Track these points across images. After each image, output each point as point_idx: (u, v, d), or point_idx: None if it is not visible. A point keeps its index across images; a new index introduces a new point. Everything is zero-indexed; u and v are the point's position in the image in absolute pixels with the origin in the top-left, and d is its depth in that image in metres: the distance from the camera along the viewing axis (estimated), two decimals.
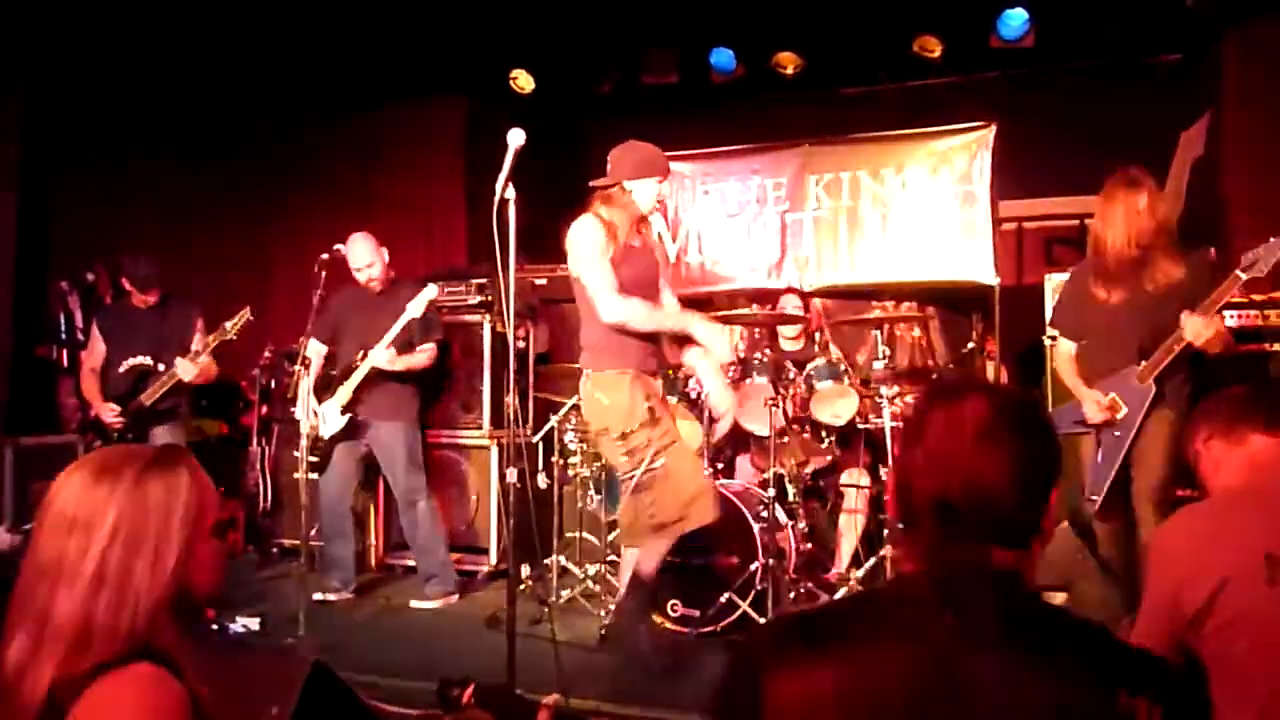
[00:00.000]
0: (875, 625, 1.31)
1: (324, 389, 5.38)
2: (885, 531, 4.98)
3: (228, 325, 5.21)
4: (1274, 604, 1.96)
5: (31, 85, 6.11)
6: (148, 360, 5.33)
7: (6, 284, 6.16)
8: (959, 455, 1.34)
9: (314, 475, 5.29)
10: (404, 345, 5.35)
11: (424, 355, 5.44)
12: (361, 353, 5.32)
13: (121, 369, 5.34)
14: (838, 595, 4.91)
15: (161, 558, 1.55)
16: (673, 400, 5.25)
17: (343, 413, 5.35)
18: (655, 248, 4.32)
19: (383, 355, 5.23)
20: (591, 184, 4.20)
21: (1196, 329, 3.66)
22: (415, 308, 5.22)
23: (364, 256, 5.36)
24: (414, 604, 5.37)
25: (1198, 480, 2.44)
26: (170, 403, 5.32)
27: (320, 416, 5.34)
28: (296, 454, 5.16)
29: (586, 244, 4.09)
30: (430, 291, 5.32)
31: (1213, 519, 2.20)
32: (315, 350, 5.43)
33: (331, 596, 5.42)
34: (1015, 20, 6.12)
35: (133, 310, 5.41)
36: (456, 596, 5.45)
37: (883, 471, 5.28)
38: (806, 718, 1.23)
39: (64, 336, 5.97)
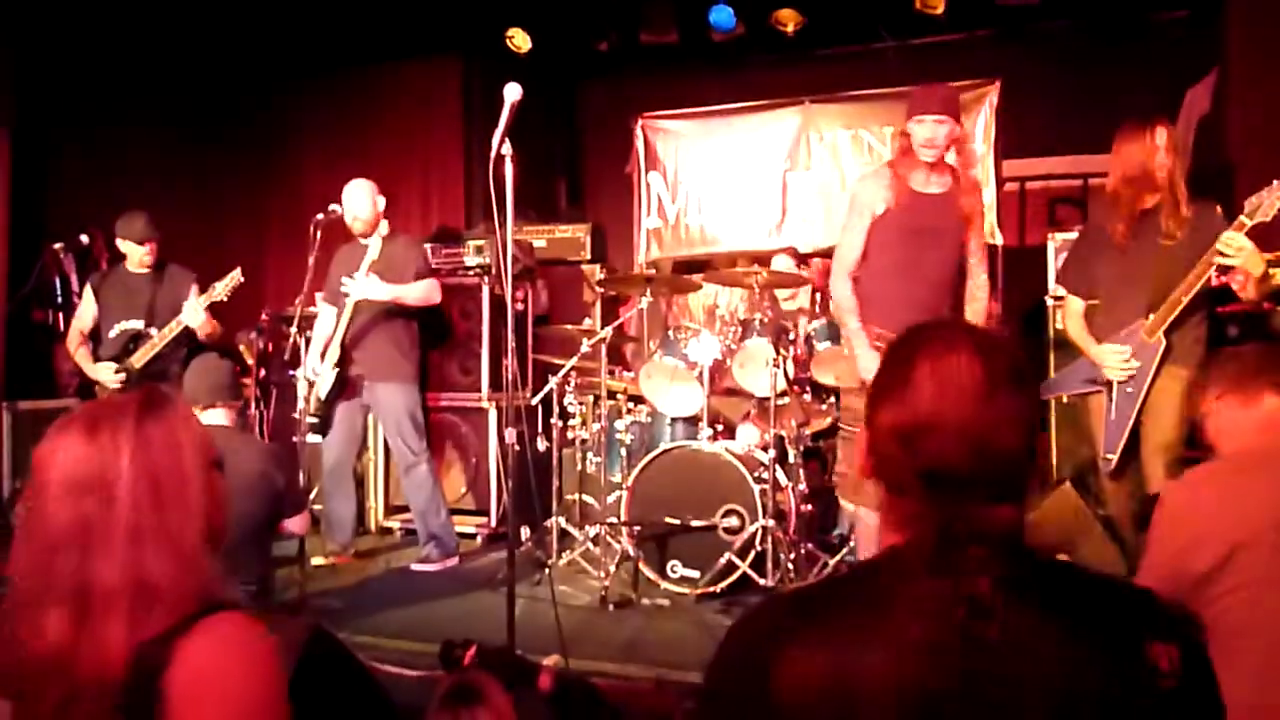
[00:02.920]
0: (883, 602, 1.24)
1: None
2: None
3: (217, 286, 5.14)
4: None
5: (25, 49, 6.04)
6: (139, 325, 5.26)
7: (2, 247, 6.11)
8: (961, 415, 1.24)
9: (315, 438, 5.29)
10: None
11: (419, 288, 5.31)
12: (353, 308, 5.29)
13: (113, 333, 5.27)
14: (833, 564, 4.90)
15: (187, 499, 1.49)
16: (671, 363, 5.23)
17: (333, 368, 5.30)
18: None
19: (362, 286, 5.13)
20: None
21: (1235, 243, 3.51)
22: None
23: (357, 204, 5.30)
24: (415, 567, 5.36)
25: (1203, 440, 2.40)
26: (159, 366, 5.26)
27: (319, 376, 5.31)
28: (295, 416, 5.14)
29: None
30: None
31: (1226, 482, 2.17)
32: (327, 312, 5.42)
33: (330, 559, 5.41)
34: None
35: (128, 275, 5.34)
36: (456, 560, 5.43)
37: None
38: (818, 698, 1.19)
39: (59, 300, 5.92)
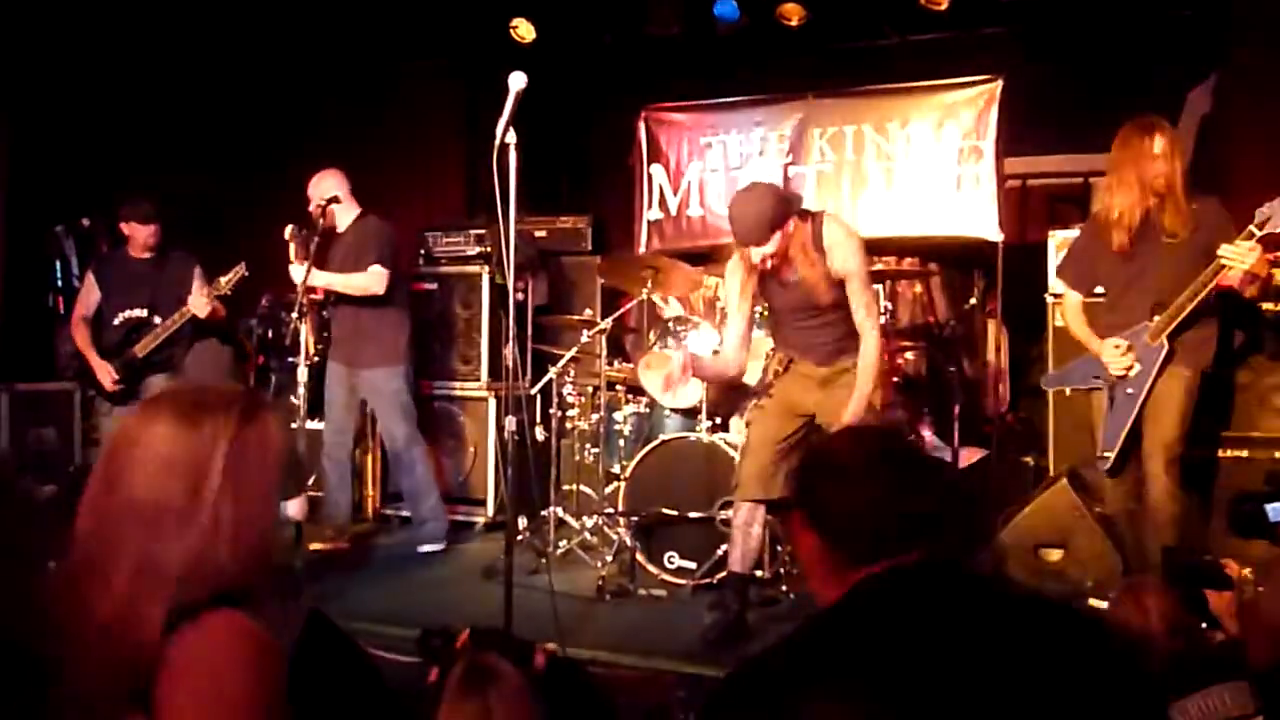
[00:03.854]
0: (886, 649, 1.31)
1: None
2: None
3: (221, 280, 5.15)
4: None
5: (25, 42, 6.03)
6: (143, 313, 5.27)
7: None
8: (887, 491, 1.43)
9: (315, 425, 5.29)
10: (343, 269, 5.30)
11: (357, 279, 5.24)
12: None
13: (116, 320, 5.29)
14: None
15: (266, 500, 1.57)
16: (670, 352, 5.23)
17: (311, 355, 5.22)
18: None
19: (295, 273, 5.12)
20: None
21: (1239, 251, 3.54)
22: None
23: (324, 187, 5.30)
24: (418, 549, 5.44)
25: None
26: (165, 354, 5.26)
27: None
28: (294, 401, 5.13)
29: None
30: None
31: None
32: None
33: (327, 545, 5.39)
34: None
35: (131, 260, 5.35)
36: (444, 545, 5.47)
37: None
38: None
39: (59, 284, 5.92)
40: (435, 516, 5.49)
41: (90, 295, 5.36)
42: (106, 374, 5.21)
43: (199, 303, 5.11)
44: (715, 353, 4.93)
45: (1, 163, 6.02)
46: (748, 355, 4.26)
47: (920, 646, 1.27)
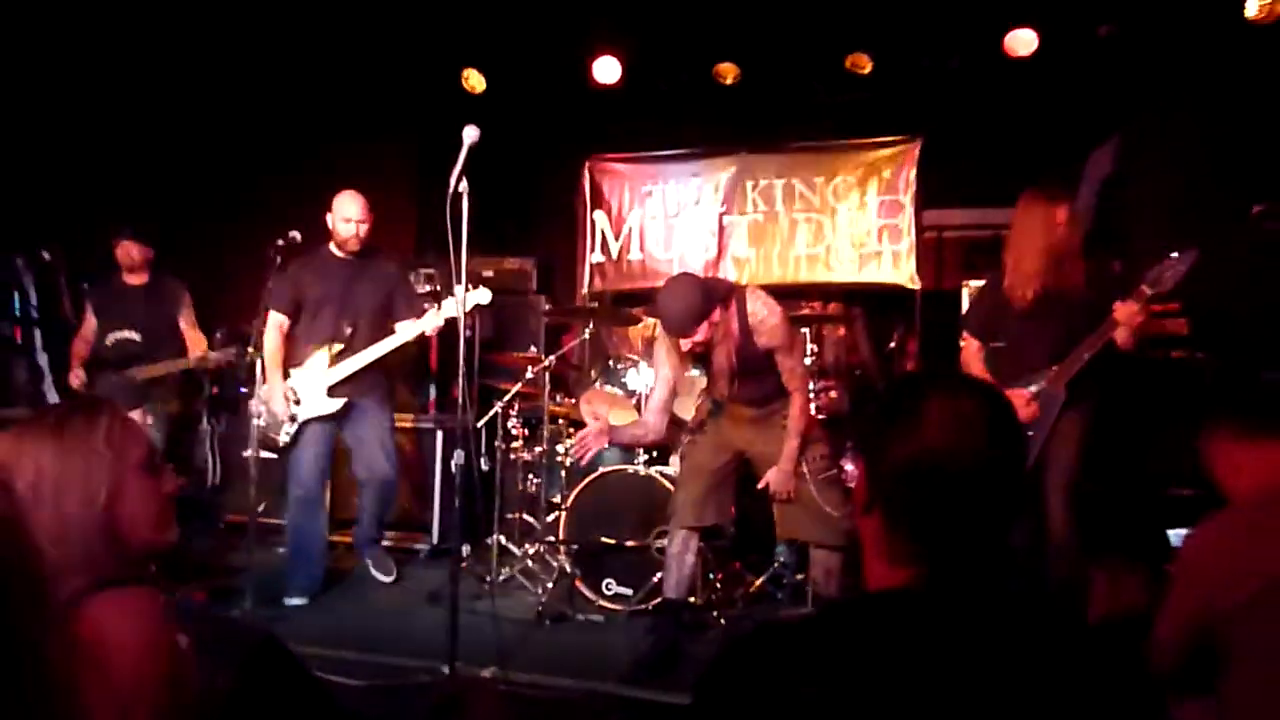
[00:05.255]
0: (884, 638, 1.22)
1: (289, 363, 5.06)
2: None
3: (213, 355, 5.30)
4: None
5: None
6: (135, 335, 5.31)
7: None
8: (971, 451, 1.24)
9: (265, 453, 5.09)
10: (384, 318, 5.02)
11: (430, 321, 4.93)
12: (351, 328, 4.90)
13: (109, 341, 5.33)
14: (758, 584, 4.93)
15: (90, 490, 1.58)
16: (611, 390, 5.26)
17: (330, 394, 4.91)
18: None
19: (413, 328, 4.86)
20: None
21: (1129, 313, 3.71)
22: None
23: (357, 210, 4.95)
24: (382, 577, 5.24)
25: (1213, 480, 2.29)
26: (145, 390, 5.30)
27: (294, 394, 4.93)
28: (249, 431, 5.03)
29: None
30: (482, 296, 4.88)
31: (1245, 527, 2.09)
32: (275, 322, 5.00)
33: (300, 600, 4.90)
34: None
35: (124, 287, 5.39)
36: (393, 577, 5.26)
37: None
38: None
39: (18, 313, 5.81)
40: (379, 547, 5.31)
41: (89, 319, 5.44)
42: (76, 377, 5.33)
43: (213, 357, 5.27)
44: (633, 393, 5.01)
45: None
46: (667, 421, 4.28)
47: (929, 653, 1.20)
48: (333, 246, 5.05)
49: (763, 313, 3.98)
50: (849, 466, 5.01)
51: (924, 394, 1.30)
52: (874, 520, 1.31)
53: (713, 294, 3.92)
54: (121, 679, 1.45)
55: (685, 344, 3.95)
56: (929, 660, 1.18)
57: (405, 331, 4.91)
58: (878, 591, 1.30)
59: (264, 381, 4.87)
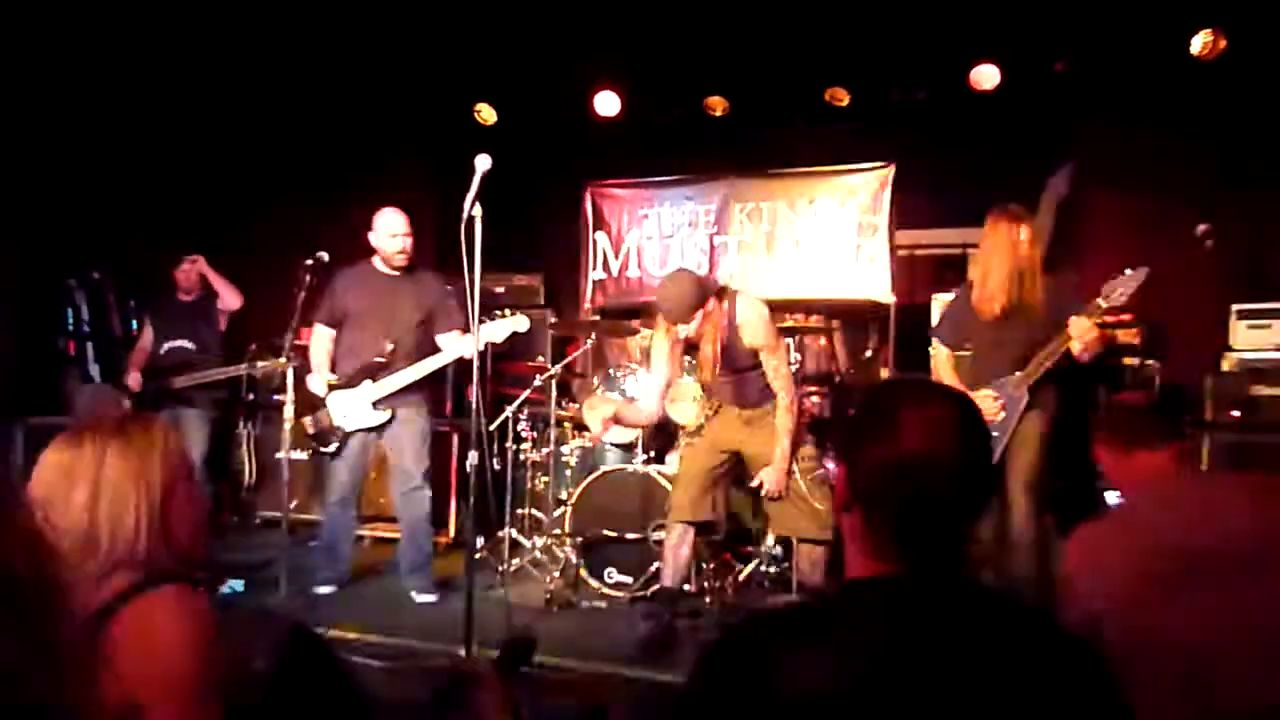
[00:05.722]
0: (860, 624, 1.23)
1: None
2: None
3: (259, 363, 5.52)
4: (1178, 609, 1.88)
5: (40, 117, 5.99)
6: (188, 345, 5.59)
7: (13, 283, 6.03)
8: (944, 453, 1.25)
9: (296, 454, 4.99)
10: (426, 333, 4.79)
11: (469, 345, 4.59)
12: (393, 344, 4.67)
13: (162, 350, 5.59)
14: (747, 571, 4.93)
15: (148, 492, 1.60)
16: (612, 396, 5.27)
17: (375, 407, 4.69)
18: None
19: (470, 344, 4.26)
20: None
21: (1082, 328, 3.72)
22: (499, 331, 4.64)
23: (402, 225, 4.73)
24: (420, 599, 4.77)
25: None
26: (195, 394, 5.55)
27: (339, 405, 4.73)
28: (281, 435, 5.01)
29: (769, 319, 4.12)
30: (520, 323, 4.71)
31: (1116, 528, 2.13)
32: (323, 334, 4.83)
33: (328, 590, 4.82)
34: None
35: (177, 302, 5.71)
36: (437, 598, 4.76)
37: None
38: (815, 699, 1.16)
39: (70, 328, 5.84)
40: (428, 565, 4.84)
41: (146, 331, 5.72)
42: (134, 380, 5.54)
43: (261, 366, 5.48)
44: (633, 400, 5.00)
45: (18, 223, 5.95)
46: (663, 406, 4.34)
47: (906, 634, 1.20)
48: (377, 261, 4.80)
49: (748, 312, 4.02)
50: (830, 466, 5.02)
51: (898, 402, 1.32)
52: (854, 518, 1.32)
53: (707, 287, 3.99)
54: (170, 668, 1.47)
55: (682, 330, 3.96)
56: (908, 641, 1.19)
57: (450, 351, 4.68)
58: (860, 580, 1.31)
59: (321, 392, 4.72)
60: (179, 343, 5.60)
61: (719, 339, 4.00)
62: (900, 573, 1.26)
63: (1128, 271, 3.74)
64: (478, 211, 3.50)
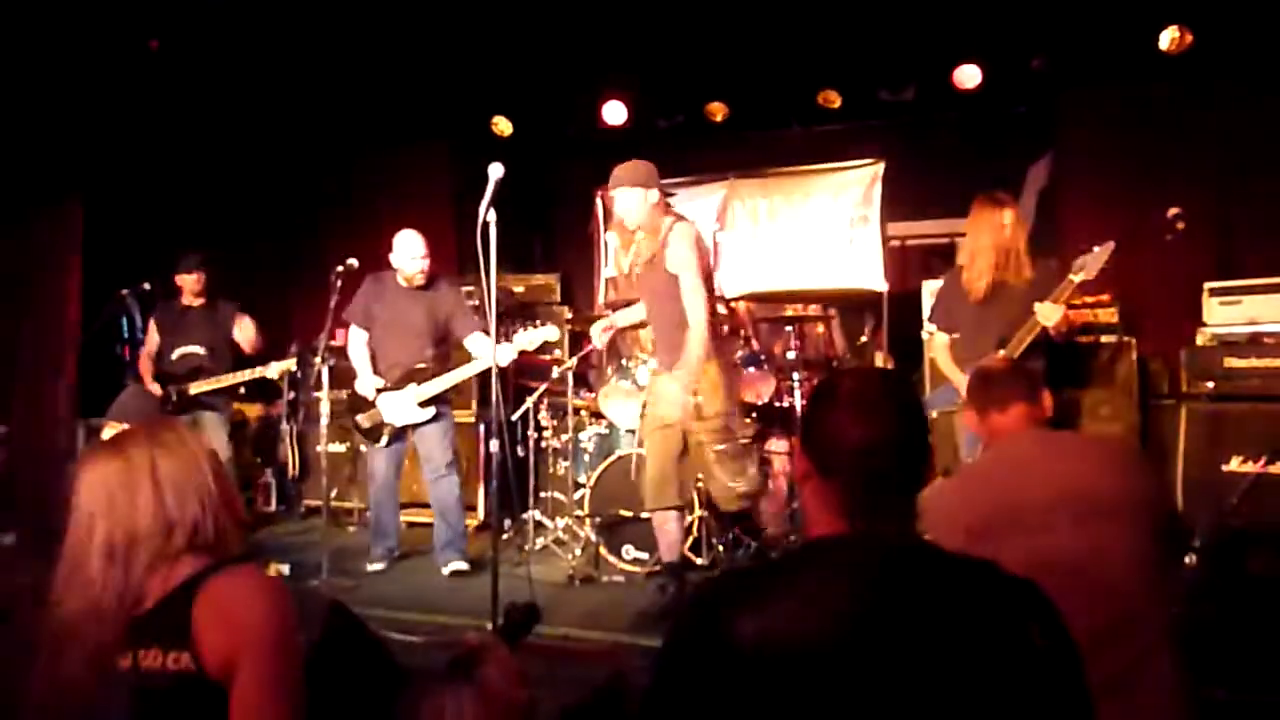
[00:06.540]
0: (819, 575, 1.25)
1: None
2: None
3: (273, 365, 5.24)
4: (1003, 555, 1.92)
5: (97, 137, 6.05)
6: (199, 350, 5.33)
7: (76, 293, 6.11)
8: (882, 432, 1.31)
9: (335, 447, 5.14)
10: (443, 339, 4.99)
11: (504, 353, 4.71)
12: (432, 350, 4.90)
13: (174, 356, 5.34)
14: (754, 547, 4.94)
15: (204, 483, 1.62)
16: (625, 385, 5.27)
17: (421, 405, 4.84)
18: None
19: (505, 352, 4.60)
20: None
21: (1048, 313, 3.73)
22: (532, 339, 4.74)
23: (420, 247, 4.87)
24: (449, 569, 4.83)
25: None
26: (213, 398, 5.33)
27: (388, 405, 4.87)
28: (320, 429, 5.07)
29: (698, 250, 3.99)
30: (551, 333, 4.85)
31: (955, 485, 2.25)
32: (360, 338, 4.99)
33: (380, 565, 4.96)
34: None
35: (184, 308, 5.42)
36: (469, 566, 4.83)
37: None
38: (767, 650, 1.18)
39: (126, 336, 5.89)
40: (462, 541, 4.92)
41: (152, 337, 5.43)
42: (156, 387, 5.28)
43: (274, 367, 5.21)
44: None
45: (79, 238, 6.06)
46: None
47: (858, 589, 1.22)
48: (399, 276, 4.96)
49: (676, 239, 3.94)
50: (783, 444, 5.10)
51: (842, 389, 1.38)
52: (812, 485, 1.37)
53: (654, 179, 4.01)
54: (259, 634, 1.49)
55: (623, 217, 4.00)
56: (866, 590, 1.22)
57: (485, 358, 4.75)
58: (820, 538, 1.35)
59: (371, 395, 4.88)
60: (190, 349, 5.33)
61: (654, 247, 3.98)
62: (855, 532, 1.32)
63: (1095, 249, 3.73)
64: (492, 216, 3.52)
